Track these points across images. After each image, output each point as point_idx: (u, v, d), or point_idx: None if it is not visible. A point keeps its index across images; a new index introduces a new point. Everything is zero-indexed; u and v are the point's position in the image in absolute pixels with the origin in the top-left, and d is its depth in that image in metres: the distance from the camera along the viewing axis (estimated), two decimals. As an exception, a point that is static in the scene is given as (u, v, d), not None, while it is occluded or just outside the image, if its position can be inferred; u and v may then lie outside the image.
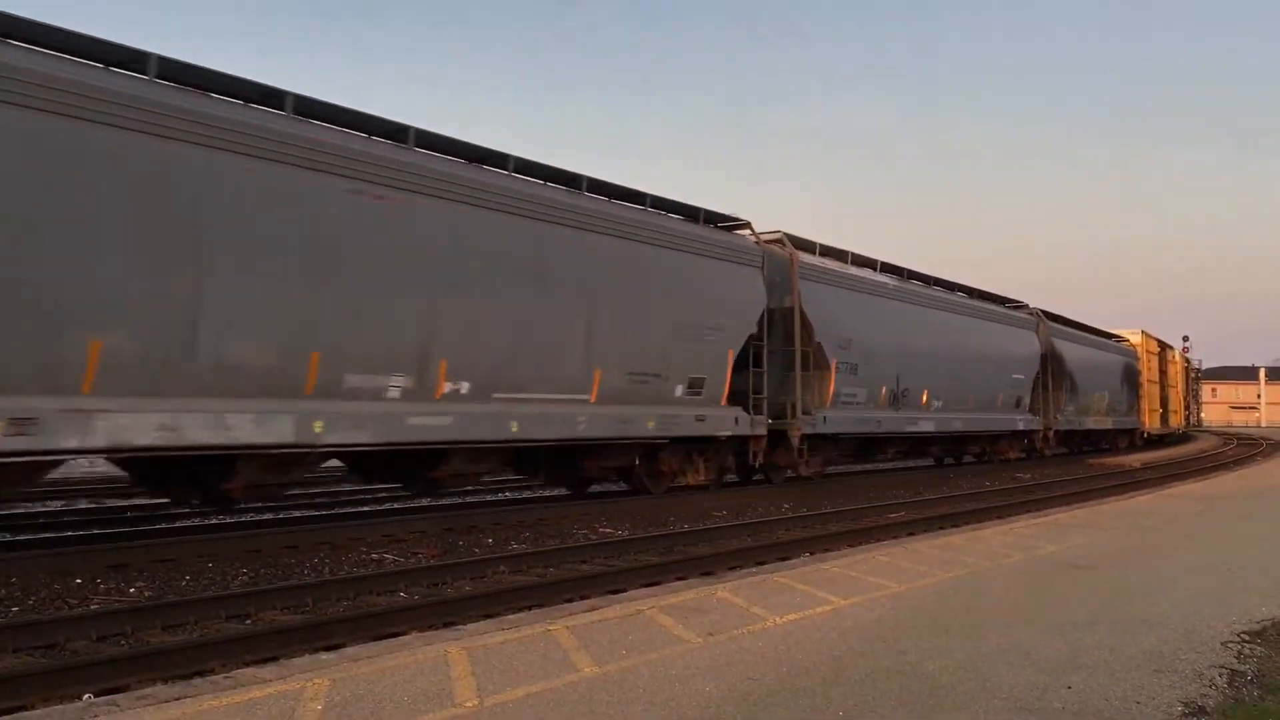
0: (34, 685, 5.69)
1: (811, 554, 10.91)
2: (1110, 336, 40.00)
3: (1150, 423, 44.08)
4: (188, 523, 13.00)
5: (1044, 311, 31.31)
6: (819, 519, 14.57)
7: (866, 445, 22.15)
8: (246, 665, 6.03)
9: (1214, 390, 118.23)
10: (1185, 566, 9.54)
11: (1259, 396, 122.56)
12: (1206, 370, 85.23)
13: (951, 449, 26.73)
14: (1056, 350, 30.84)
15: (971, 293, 26.80)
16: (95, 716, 4.52)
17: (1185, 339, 64.52)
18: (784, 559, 10.59)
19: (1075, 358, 32.61)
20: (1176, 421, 52.96)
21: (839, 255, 21.23)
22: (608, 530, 13.04)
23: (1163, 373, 47.64)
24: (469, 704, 4.80)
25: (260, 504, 13.33)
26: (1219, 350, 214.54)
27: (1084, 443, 37.23)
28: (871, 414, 20.56)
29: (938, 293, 24.88)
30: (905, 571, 8.92)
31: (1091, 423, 34.93)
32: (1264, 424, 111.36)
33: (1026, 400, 28.28)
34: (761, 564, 10.20)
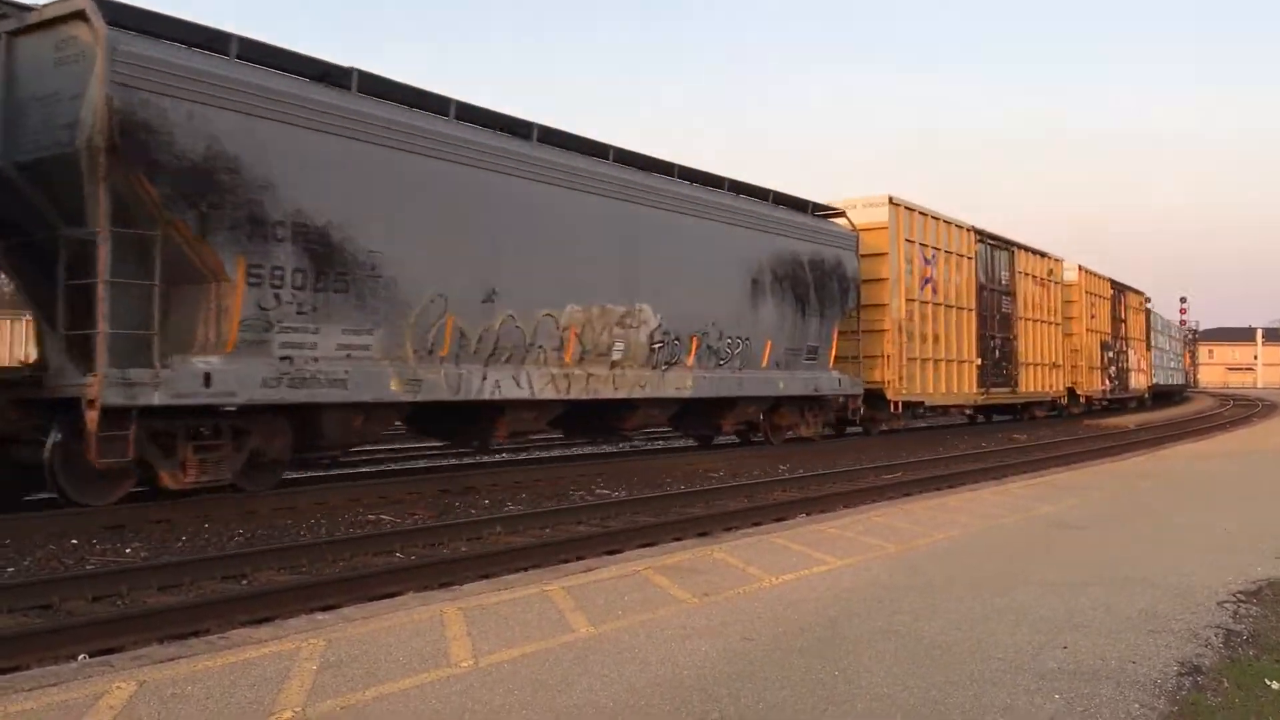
0: (29, 645, 5.68)
1: (808, 515, 10.92)
2: (759, 195, 17.94)
3: (915, 386, 21.91)
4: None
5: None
6: (815, 480, 14.60)
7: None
8: (242, 626, 6.04)
9: (1211, 351, 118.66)
10: (1180, 527, 9.56)
11: (1255, 358, 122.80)
12: (1203, 331, 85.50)
13: None
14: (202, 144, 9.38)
15: None
16: (89, 677, 4.51)
17: (1183, 300, 64.55)
18: (780, 519, 10.63)
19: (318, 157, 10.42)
20: (1062, 383, 31.59)
21: None
22: (604, 491, 13.06)
23: (1005, 295, 27.23)
24: (464, 664, 4.79)
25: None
26: (1216, 312, 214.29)
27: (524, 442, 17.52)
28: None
29: None
30: (901, 532, 8.93)
31: (516, 386, 12.83)
32: (1260, 385, 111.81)
33: None
34: (758, 524, 10.22)
